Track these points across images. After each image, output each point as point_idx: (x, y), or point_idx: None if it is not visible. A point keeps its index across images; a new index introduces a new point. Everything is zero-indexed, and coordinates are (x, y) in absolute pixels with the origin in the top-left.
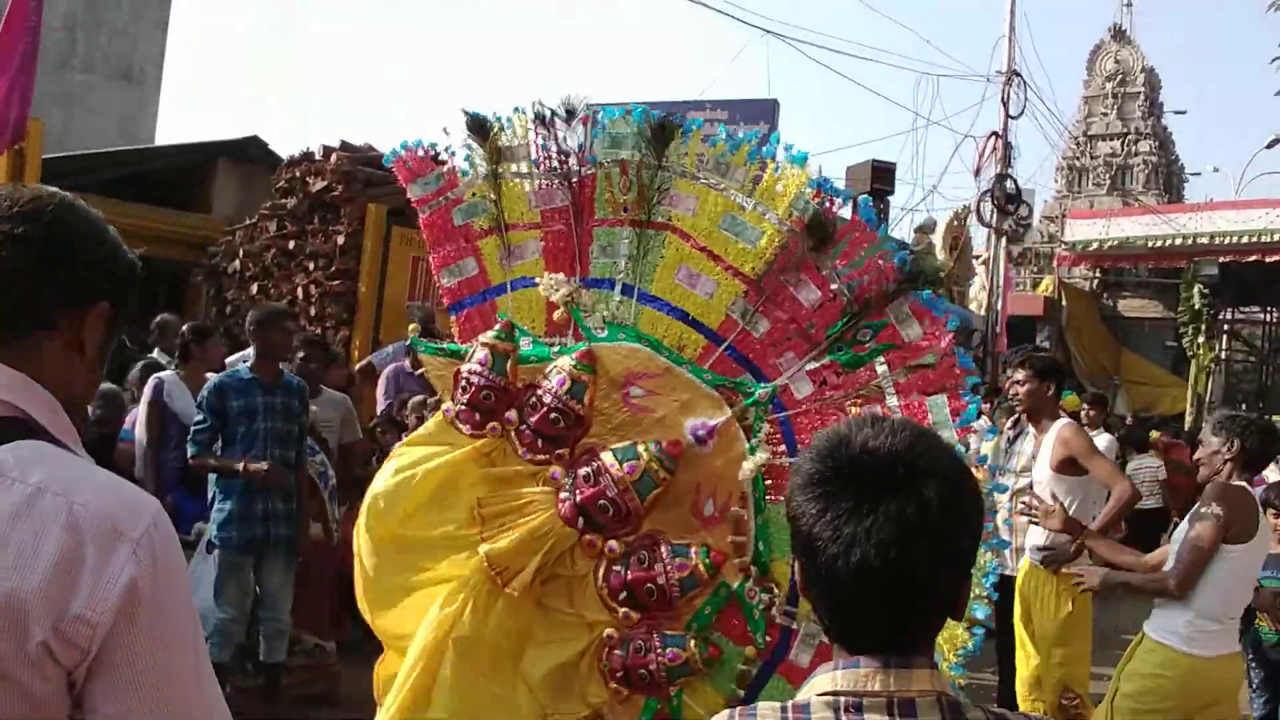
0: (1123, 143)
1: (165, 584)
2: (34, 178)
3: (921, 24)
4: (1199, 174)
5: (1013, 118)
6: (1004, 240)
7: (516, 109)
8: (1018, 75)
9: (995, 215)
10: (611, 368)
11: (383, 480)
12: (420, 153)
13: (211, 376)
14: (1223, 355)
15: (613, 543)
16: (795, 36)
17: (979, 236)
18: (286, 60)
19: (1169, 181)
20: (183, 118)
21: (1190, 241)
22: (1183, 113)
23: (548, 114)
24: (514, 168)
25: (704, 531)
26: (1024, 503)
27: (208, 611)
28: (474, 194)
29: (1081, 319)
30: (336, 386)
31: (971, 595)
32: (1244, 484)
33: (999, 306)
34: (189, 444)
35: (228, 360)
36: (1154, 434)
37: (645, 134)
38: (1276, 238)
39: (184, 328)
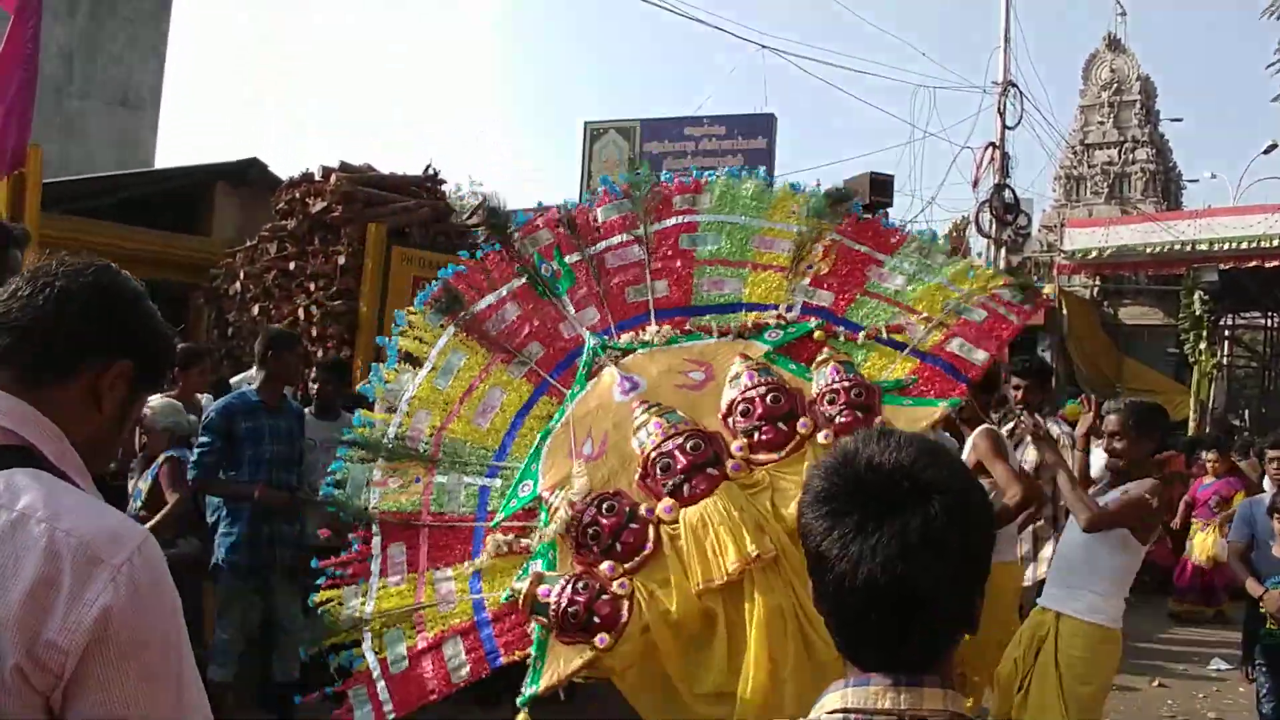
0: (1120, 151)
1: (146, 613)
2: (35, 203)
3: (917, 37)
4: (1196, 180)
5: (1009, 128)
6: (1003, 250)
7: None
8: (1014, 86)
9: (994, 225)
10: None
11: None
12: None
13: (204, 397)
14: (1224, 361)
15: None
16: (791, 51)
17: (978, 247)
18: (283, 62)
19: (1167, 189)
20: (181, 134)
21: (1189, 248)
22: (1179, 120)
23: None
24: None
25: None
26: None
27: None
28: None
29: (1082, 327)
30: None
31: None
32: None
33: None
34: (191, 466)
35: (232, 381)
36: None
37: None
38: (1276, 243)
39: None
